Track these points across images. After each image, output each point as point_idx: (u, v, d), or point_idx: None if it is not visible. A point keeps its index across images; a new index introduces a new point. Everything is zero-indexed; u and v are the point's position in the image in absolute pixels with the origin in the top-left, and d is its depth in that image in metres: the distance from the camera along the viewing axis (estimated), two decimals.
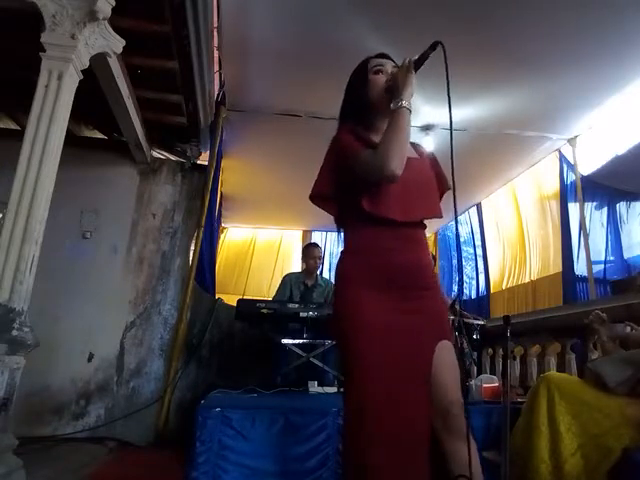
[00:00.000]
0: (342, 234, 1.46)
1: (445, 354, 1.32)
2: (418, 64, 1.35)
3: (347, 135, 1.39)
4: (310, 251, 4.02)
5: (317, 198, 1.45)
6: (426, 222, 1.44)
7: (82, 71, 2.16)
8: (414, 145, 1.50)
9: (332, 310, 1.41)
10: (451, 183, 1.40)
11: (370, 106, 1.43)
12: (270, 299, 4.24)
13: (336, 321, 1.37)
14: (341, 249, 1.45)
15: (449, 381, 1.30)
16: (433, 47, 1.33)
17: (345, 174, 1.38)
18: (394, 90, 1.35)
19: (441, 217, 1.44)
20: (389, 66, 1.44)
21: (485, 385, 2.46)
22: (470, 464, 1.17)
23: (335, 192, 1.42)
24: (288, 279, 3.99)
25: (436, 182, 1.47)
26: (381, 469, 1.19)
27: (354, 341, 1.30)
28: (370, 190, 1.33)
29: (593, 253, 4.05)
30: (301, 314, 3.19)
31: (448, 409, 1.27)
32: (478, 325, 3.30)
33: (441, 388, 1.28)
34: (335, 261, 7.32)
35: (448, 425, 1.27)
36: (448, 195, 1.45)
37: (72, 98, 2.13)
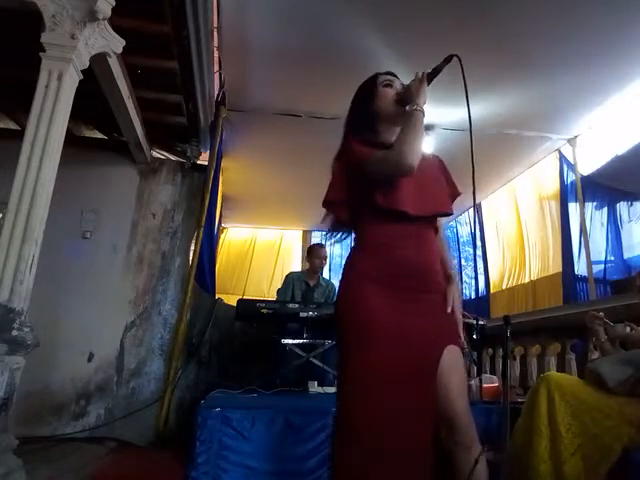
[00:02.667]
0: (354, 234, 1.52)
1: (451, 359, 1.29)
2: (431, 76, 1.45)
3: (356, 143, 1.46)
4: (317, 251, 4.04)
5: (330, 204, 1.52)
6: None
7: (82, 71, 2.16)
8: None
9: (335, 305, 1.41)
10: (459, 190, 1.55)
11: (378, 115, 1.51)
12: (270, 299, 4.25)
13: (339, 315, 1.37)
14: (352, 246, 1.49)
15: (452, 390, 1.27)
16: (447, 60, 1.42)
17: (358, 177, 1.43)
18: (407, 99, 1.44)
19: (451, 214, 1.52)
20: (397, 83, 1.54)
21: (485, 385, 2.46)
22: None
23: (347, 197, 1.47)
24: (290, 278, 4.02)
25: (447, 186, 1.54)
26: None
27: (354, 339, 1.28)
28: (384, 187, 1.39)
29: (593, 253, 4.04)
30: (301, 314, 3.19)
31: (453, 422, 1.25)
32: (478, 325, 3.29)
33: (445, 397, 1.26)
34: (335, 262, 7.37)
35: (454, 438, 1.25)
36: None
37: (72, 98, 2.13)
